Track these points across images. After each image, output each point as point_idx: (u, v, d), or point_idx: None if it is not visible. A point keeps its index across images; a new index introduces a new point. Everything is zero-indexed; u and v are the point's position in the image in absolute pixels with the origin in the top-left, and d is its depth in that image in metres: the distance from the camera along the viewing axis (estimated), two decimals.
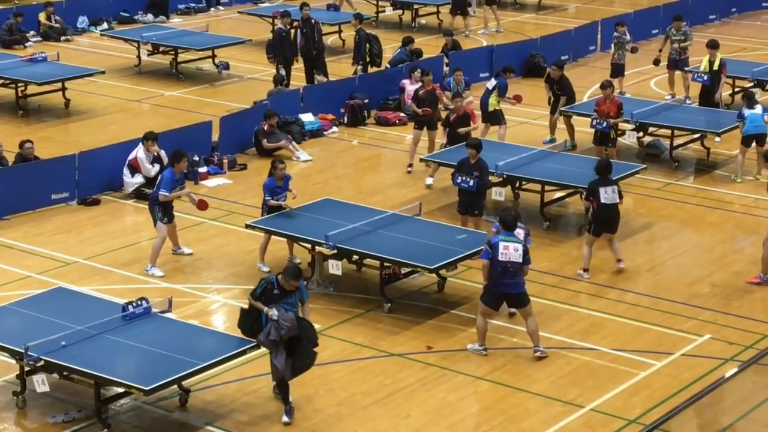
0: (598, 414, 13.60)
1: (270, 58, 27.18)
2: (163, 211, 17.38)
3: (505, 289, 14.56)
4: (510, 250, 14.31)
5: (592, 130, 21.39)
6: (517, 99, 22.37)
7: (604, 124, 20.91)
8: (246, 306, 13.46)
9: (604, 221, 16.97)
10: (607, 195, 16.84)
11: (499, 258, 14.31)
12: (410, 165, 21.54)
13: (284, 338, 12.95)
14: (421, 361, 14.82)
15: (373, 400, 13.86)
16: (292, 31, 26.88)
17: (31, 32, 31.55)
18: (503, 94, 22.02)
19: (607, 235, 17.14)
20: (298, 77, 26.63)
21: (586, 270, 17.16)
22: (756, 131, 21.03)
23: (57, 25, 31.96)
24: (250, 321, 13.28)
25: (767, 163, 19.63)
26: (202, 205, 17.55)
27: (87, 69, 26.60)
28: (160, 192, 17.23)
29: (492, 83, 22.32)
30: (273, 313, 12.93)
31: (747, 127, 21.06)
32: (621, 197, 17.06)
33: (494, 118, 22.13)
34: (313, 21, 26.54)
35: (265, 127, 22.50)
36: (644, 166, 20.33)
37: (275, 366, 13.08)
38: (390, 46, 28.87)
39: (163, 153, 20.39)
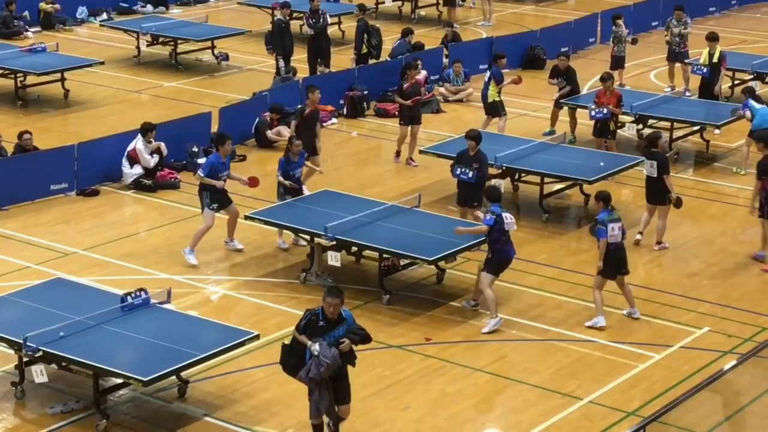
0: (596, 406, 13.61)
1: (269, 50, 27.15)
2: (211, 197, 17.07)
3: (509, 254, 15.52)
4: (509, 220, 15.42)
5: (592, 122, 21.37)
6: (516, 81, 22.41)
7: (605, 111, 20.85)
8: (287, 341, 12.44)
9: (647, 190, 18.12)
10: (645, 168, 18.00)
11: (505, 228, 15.33)
12: (398, 153, 21.71)
13: (324, 377, 12.02)
14: (419, 352, 14.82)
15: (371, 391, 13.86)
16: (292, 22, 26.83)
17: (25, 12, 31.28)
18: (500, 82, 21.99)
19: (659, 209, 17.93)
20: (298, 68, 26.58)
21: (640, 233, 18.12)
22: None
23: (57, 6, 31.86)
24: (294, 359, 12.16)
25: None
26: (253, 183, 17.68)
27: (86, 59, 26.55)
28: (197, 171, 17.22)
29: (487, 75, 22.31)
30: (315, 348, 11.91)
31: (759, 121, 20.96)
32: (663, 172, 17.71)
33: (494, 110, 22.11)
34: (321, 12, 26.49)
35: (268, 119, 22.50)
36: (644, 158, 20.28)
37: (316, 407, 12.18)
38: (389, 37, 28.83)
39: (163, 146, 20.39)
